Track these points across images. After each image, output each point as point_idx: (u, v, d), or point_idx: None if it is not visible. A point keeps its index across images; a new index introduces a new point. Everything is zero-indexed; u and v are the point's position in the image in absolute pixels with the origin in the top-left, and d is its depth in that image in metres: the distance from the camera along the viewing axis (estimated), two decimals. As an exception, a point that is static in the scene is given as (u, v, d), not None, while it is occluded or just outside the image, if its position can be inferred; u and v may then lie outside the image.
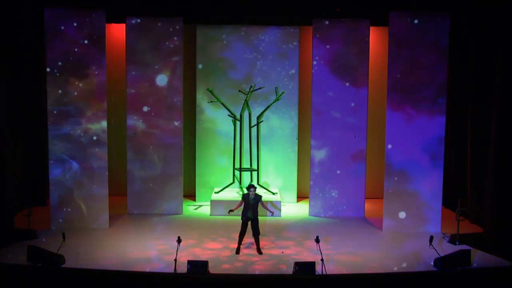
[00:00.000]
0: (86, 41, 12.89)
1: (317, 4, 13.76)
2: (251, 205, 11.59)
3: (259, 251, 11.63)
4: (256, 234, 11.65)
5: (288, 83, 15.41)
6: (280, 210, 14.54)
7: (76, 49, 12.89)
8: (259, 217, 11.71)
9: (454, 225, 12.57)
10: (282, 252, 11.72)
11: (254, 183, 15.30)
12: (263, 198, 14.59)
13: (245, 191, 11.86)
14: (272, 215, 12.47)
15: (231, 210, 11.89)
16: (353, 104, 14.34)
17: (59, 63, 12.89)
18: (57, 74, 12.91)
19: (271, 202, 14.53)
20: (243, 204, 11.73)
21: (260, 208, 11.81)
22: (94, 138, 13.06)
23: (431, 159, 13.12)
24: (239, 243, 11.66)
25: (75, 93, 12.96)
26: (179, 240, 10.46)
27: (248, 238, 11.87)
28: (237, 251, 11.61)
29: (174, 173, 14.48)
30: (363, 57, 14.33)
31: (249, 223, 11.63)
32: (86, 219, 13.13)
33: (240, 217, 11.76)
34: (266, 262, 11.15)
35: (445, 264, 10.53)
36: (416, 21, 12.88)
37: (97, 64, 12.96)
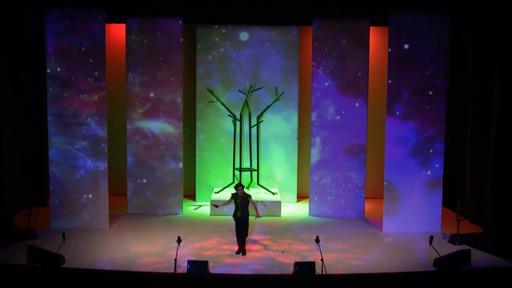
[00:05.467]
0: (86, 42, 12.89)
1: (317, 4, 13.77)
2: (239, 204, 11.54)
3: (243, 252, 11.53)
4: (241, 234, 11.55)
5: (288, 83, 15.42)
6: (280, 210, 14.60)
7: (76, 50, 12.90)
8: (262, 217, 11.56)
9: (454, 225, 12.58)
10: (282, 252, 11.72)
11: (254, 183, 15.35)
12: (262, 198, 14.70)
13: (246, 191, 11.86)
14: (255, 217, 11.94)
15: (215, 205, 11.99)
16: (356, 104, 14.35)
17: (59, 64, 12.89)
18: (57, 75, 12.91)
19: (271, 202, 14.56)
20: (232, 202, 11.69)
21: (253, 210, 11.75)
22: (94, 138, 13.06)
23: (431, 159, 13.12)
24: (239, 243, 11.65)
25: (75, 94, 12.97)
26: (179, 240, 10.46)
27: (248, 236, 11.87)
28: (238, 251, 11.61)
29: (174, 173, 14.48)
30: (363, 57, 14.34)
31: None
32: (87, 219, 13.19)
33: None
34: (266, 262, 11.15)
35: (445, 264, 10.53)
36: (416, 21, 12.88)
37: (97, 65, 12.96)
